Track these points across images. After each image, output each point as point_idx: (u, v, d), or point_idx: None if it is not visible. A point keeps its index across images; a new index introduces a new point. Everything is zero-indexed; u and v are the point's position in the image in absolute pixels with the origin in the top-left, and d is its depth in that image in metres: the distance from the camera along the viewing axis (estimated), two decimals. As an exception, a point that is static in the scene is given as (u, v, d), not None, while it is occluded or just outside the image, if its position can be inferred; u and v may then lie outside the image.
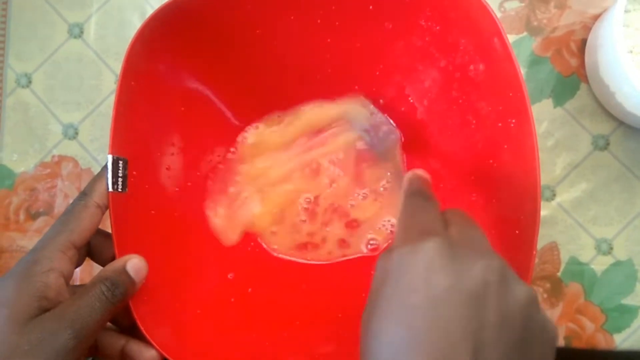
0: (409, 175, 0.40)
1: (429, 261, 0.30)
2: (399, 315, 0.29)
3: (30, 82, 0.61)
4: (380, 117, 0.57)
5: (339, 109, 0.57)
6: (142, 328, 0.41)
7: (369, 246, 0.56)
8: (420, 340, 0.28)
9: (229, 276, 0.53)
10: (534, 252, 0.41)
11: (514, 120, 0.43)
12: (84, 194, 0.42)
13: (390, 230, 0.56)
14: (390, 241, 0.56)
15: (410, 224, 0.35)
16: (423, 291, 0.29)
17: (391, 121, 0.57)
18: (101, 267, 0.43)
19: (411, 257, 0.31)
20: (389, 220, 0.56)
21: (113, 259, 0.43)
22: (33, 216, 0.60)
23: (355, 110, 0.57)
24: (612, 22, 0.51)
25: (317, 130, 0.57)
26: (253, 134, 0.57)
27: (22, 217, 0.60)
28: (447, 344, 0.28)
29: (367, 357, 0.30)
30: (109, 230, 0.43)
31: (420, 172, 0.41)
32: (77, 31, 0.61)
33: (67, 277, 0.40)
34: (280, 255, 0.56)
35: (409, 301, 0.29)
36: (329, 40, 0.51)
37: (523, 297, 0.30)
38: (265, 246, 0.56)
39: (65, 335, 0.36)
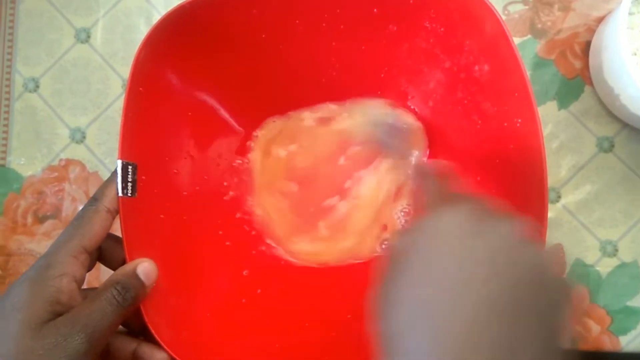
0: (422, 160, 0.41)
1: (453, 225, 0.31)
2: (429, 277, 0.30)
3: (37, 86, 0.62)
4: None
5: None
6: (152, 331, 0.41)
7: (382, 246, 0.56)
8: (453, 307, 0.29)
9: (244, 273, 0.54)
10: None
11: (519, 120, 0.44)
12: (94, 199, 0.42)
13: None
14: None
15: (428, 200, 0.37)
16: (452, 255, 0.30)
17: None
18: (111, 271, 0.44)
19: (434, 227, 0.32)
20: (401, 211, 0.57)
21: (123, 262, 0.43)
22: (41, 219, 0.61)
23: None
24: (616, 25, 0.51)
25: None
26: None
27: (29, 220, 0.61)
28: (477, 312, 0.28)
29: (391, 322, 0.31)
30: (119, 235, 0.43)
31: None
32: (84, 36, 0.62)
33: (80, 282, 0.40)
34: (293, 260, 0.57)
35: (438, 267, 0.30)
36: (334, 43, 0.52)
37: (545, 256, 0.31)
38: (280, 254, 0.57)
39: (78, 340, 0.36)
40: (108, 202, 0.42)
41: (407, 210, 0.57)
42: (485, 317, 0.28)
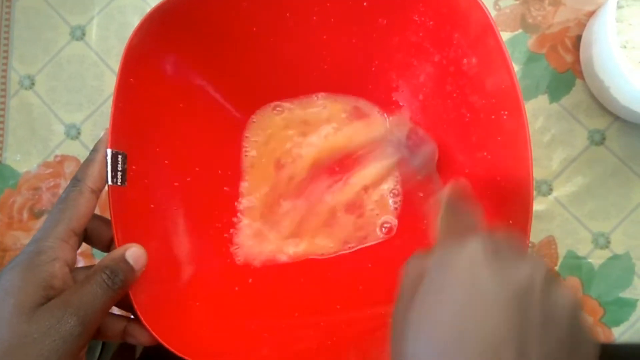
0: (451, 183, 0.39)
1: (474, 257, 0.30)
2: (444, 310, 0.30)
3: (33, 83, 0.62)
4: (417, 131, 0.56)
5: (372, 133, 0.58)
6: (141, 318, 0.41)
7: (383, 229, 0.57)
8: (467, 335, 0.28)
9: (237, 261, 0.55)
10: (528, 242, 0.42)
11: (506, 112, 0.44)
12: (77, 180, 0.42)
13: (395, 208, 0.57)
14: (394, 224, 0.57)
15: (452, 226, 0.35)
16: (469, 287, 0.30)
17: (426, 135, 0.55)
18: (97, 250, 0.45)
19: (455, 254, 0.31)
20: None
21: (109, 242, 0.44)
22: (36, 215, 0.61)
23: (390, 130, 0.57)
24: (605, 18, 0.51)
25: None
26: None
27: (25, 216, 0.61)
28: (493, 340, 0.28)
29: (405, 352, 0.30)
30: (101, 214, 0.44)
31: (463, 181, 0.40)
32: (79, 33, 0.62)
33: (71, 265, 0.40)
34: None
35: (454, 297, 0.30)
36: (324, 37, 0.52)
37: (568, 301, 0.30)
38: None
39: (71, 322, 0.36)
40: (91, 182, 0.42)
41: (395, 191, 0.58)
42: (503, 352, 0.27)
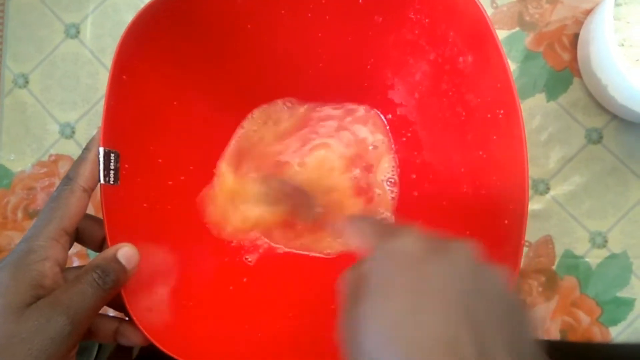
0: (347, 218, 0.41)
1: (407, 246, 0.32)
2: (395, 296, 0.30)
3: (27, 82, 0.62)
4: None
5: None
6: (133, 317, 0.41)
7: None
8: (423, 315, 0.28)
9: (247, 258, 0.55)
10: (523, 241, 0.41)
11: (502, 111, 0.44)
12: (68, 179, 0.42)
13: (392, 197, 0.57)
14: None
15: (373, 231, 0.37)
16: (413, 270, 0.30)
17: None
18: (89, 249, 0.45)
19: (391, 248, 0.32)
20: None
21: (101, 242, 0.43)
22: (31, 215, 0.61)
23: None
24: (603, 16, 0.51)
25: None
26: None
27: (20, 215, 0.61)
28: (449, 331, 0.28)
29: (362, 345, 0.30)
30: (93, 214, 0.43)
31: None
32: (73, 31, 0.62)
33: (62, 265, 0.40)
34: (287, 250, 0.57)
35: (401, 282, 0.30)
36: (319, 34, 0.52)
37: (499, 272, 0.31)
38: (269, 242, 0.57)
39: (60, 322, 0.36)
40: (83, 180, 0.42)
41: (393, 180, 0.57)
42: (455, 328, 0.28)
